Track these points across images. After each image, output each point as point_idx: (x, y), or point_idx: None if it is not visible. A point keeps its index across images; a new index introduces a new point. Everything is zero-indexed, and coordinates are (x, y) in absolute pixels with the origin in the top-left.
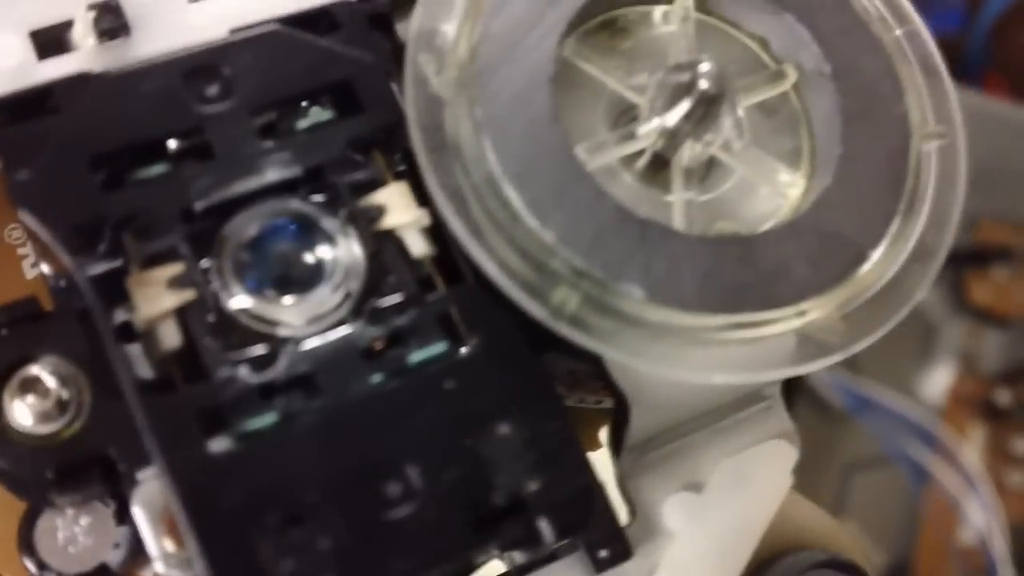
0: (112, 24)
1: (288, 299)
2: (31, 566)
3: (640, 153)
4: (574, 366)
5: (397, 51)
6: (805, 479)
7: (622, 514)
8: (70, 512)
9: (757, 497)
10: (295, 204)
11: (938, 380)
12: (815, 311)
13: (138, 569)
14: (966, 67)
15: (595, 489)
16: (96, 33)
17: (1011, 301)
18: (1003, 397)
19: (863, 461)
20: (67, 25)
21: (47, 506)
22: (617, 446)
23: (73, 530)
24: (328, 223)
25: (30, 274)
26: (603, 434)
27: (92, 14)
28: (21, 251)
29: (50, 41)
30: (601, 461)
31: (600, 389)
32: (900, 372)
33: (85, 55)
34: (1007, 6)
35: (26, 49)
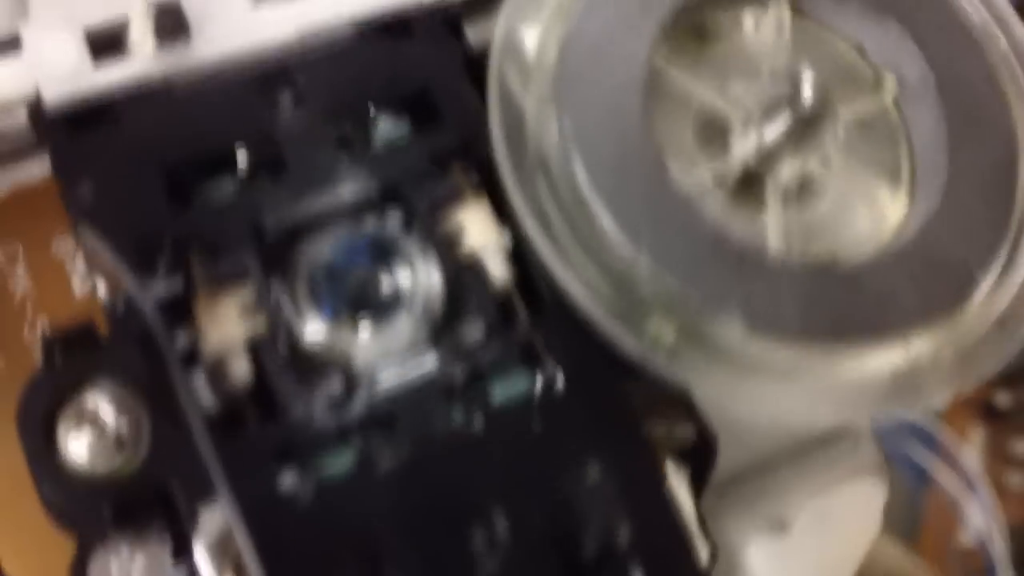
0: (172, 25)
1: (365, 327)
2: None
3: (731, 169)
4: (649, 392)
5: (468, 56)
6: None
7: (703, 555)
8: (124, 550)
9: (846, 538)
10: (374, 225)
11: None
12: (923, 343)
13: None
14: None
15: (686, 535)
16: (155, 35)
17: None
18: (1003, 399)
19: None
20: (122, 25)
21: (101, 544)
22: (700, 484)
23: (128, 569)
24: (407, 245)
25: (80, 290)
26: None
27: (151, 14)
28: (70, 266)
29: (105, 42)
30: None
31: (673, 415)
32: None
33: (143, 58)
34: None
35: (80, 50)
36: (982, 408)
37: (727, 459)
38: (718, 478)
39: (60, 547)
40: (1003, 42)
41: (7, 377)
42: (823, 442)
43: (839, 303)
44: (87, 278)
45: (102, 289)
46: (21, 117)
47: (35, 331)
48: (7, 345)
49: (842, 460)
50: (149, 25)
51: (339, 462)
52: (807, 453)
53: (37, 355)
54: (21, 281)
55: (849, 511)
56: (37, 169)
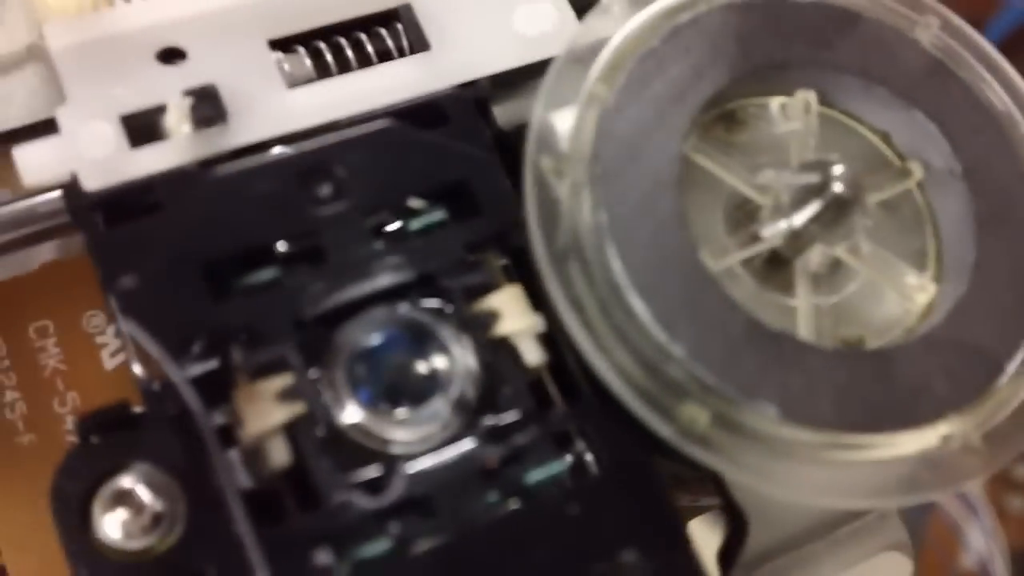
0: (210, 112)
1: (402, 413)
2: None
3: (758, 254)
4: (678, 469)
5: (496, 137)
6: None
7: None
8: None
9: None
10: (410, 312)
11: None
12: (953, 428)
13: None
14: None
15: None
16: (192, 121)
17: None
18: None
19: None
20: (160, 111)
21: None
22: (729, 562)
23: None
24: (443, 331)
25: (109, 364)
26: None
27: (188, 101)
28: (100, 339)
29: (142, 127)
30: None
31: (698, 488)
32: None
33: (180, 143)
34: (1008, 33)
35: (119, 137)
36: None
37: (756, 537)
38: (748, 556)
39: None
40: None
41: (39, 450)
42: (849, 518)
43: (872, 391)
44: (118, 353)
45: (138, 368)
46: (55, 198)
47: (65, 405)
48: (38, 419)
49: (870, 536)
50: (187, 111)
51: (376, 547)
52: (834, 529)
53: (67, 428)
54: (52, 356)
55: None
56: (68, 246)
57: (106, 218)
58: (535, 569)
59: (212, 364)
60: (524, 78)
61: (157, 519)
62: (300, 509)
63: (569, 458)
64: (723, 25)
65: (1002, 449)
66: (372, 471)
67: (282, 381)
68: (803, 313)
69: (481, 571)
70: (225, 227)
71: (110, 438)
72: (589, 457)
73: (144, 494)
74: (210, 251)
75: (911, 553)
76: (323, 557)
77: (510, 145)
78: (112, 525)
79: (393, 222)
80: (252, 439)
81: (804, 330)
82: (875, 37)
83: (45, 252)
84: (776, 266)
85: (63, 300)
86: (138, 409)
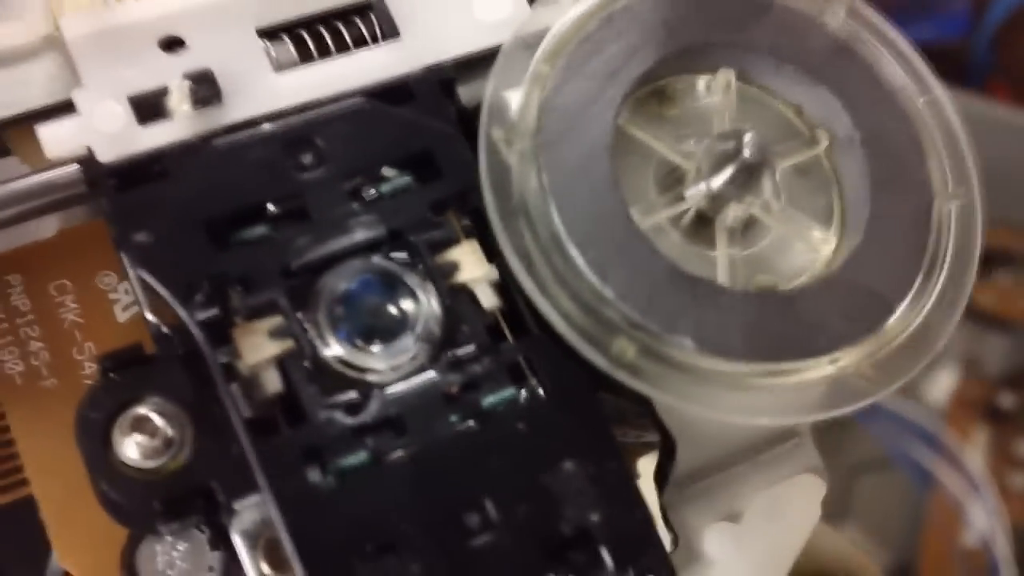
0: (208, 93)
1: (376, 347)
2: None
3: (686, 211)
4: (620, 404)
5: (460, 113)
6: None
7: (666, 542)
8: (169, 539)
9: (790, 527)
10: (382, 262)
11: (942, 384)
12: (847, 359)
13: None
14: (969, 73)
15: (651, 521)
16: (192, 101)
17: (1014, 305)
18: (1006, 400)
19: (867, 464)
20: (161, 92)
21: (150, 534)
22: (662, 480)
23: (171, 555)
24: (410, 279)
25: (121, 317)
26: (640, 465)
27: (188, 83)
28: (112, 296)
29: (147, 107)
30: (643, 491)
31: (642, 425)
32: None
33: (182, 121)
34: (1010, 13)
35: (128, 115)
36: (986, 410)
37: (686, 459)
38: (678, 476)
39: (108, 544)
40: (921, 100)
41: (60, 393)
42: (769, 443)
43: (777, 327)
44: (129, 308)
45: (150, 315)
46: (72, 171)
47: (83, 353)
48: (59, 365)
49: (786, 459)
50: (187, 92)
51: (356, 458)
52: (756, 453)
53: (85, 373)
54: (70, 310)
55: (792, 503)
56: (82, 214)
57: (119, 184)
58: (490, 477)
59: (214, 312)
60: (485, 61)
61: (168, 442)
62: (290, 427)
63: (519, 386)
64: (652, 12)
65: (890, 376)
66: (351, 395)
67: (273, 321)
68: (721, 263)
69: (445, 478)
70: (223, 191)
71: (127, 374)
72: (535, 385)
73: (158, 420)
74: (210, 211)
75: (825, 476)
76: (312, 467)
77: (472, 121)
78: (130, 447)
79: (367, 186)
80: (249, 370)
81: (722, 277)
82: (786, 22)
83: (63, 219)
84: (701, 224)
85: (79, 262)
86: (149, 352)
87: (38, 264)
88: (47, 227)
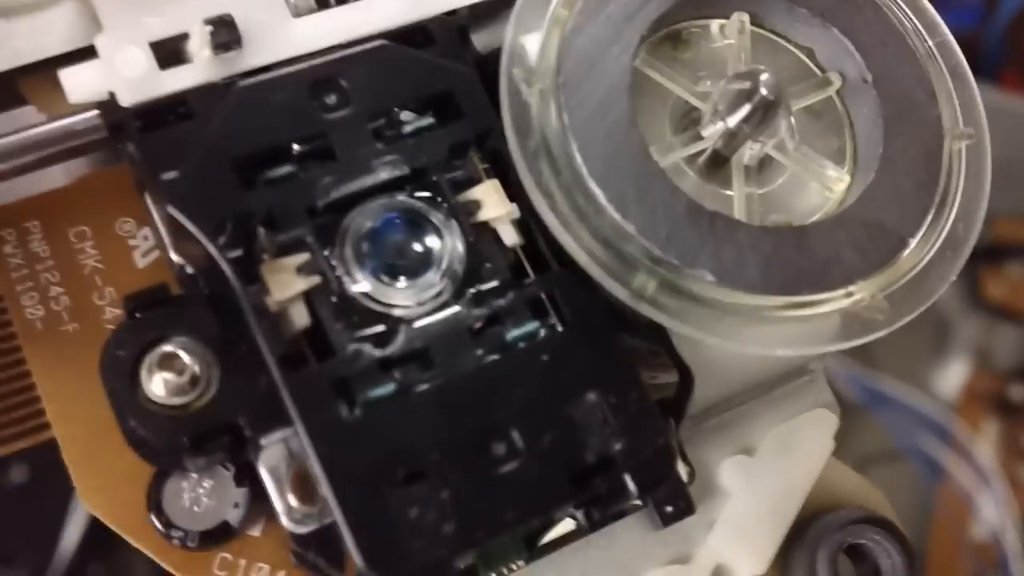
0: (227, 38)
1: (401, 283)
2: (158, 525)
3: (702, 152)
4: (636, 345)
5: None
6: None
7: (683, 475)
8: (194, 476)
9: (803, 460)
10: (407, 200)
11: (952, 376)
12: (861, 292)
13: (249, 526)
14: (982, 63)
15: (672, 449)
16: (212, 46)
17: None
18: (1017, 393)
19: (877, 455)
20: (182, 38)
21: (176, 471)
22: (679, 415)
23: (197, 492)
24: (434, 216)
25: (141, 263)
26: None
27: (208, 28)
28: (132, 242)
29: (168, 53)
30: None
31: (655, 365)
32: (914, 367)
33: (202, 65)
34: (1023, 4)
35: (149, 60)
36: (996, 402)
37: (702, 394)
38: (695, 410)
39: (130, 485)
40: (931, 43)
41: (81, 337)
42: (783, 379)
43: (793, 261)
44: (148, 254)
45: (175, 255)
46: (91, 117)
47: (104, 298)
48: (80, 310)
49: (799, 395)
50: (207, 37)
51: (383, 389)
52: (770, 389)
53: (105, 318)
54: (90, 256)
55: (806, 437)
56: (100, 160)
57: (145, 126)
58: (515, 407)
59: (240, 251)
60: (498, 8)
61: (195, 380)
62: (319, 361)
63: (541, 320)
64: None
65: (903, 307)
66: (378, 328)
67: (300, 258)
68: (738, 200)
69: (471, 409)
70: (249, 130)
71: (153, 313)
72: (556, 319)
73: (185, 358)
74: (237, 150)
75: (837, 411)
76: (340, 397)
77: (486, 66)
78: (157, 384)
79: (388, 126)
80: (278, 306)
81: (738, 214)
82: None
83: (82, 166)
84: (717, 164)
85: (98, 208)
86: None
87: (56, 211)
88: (67, 174)
